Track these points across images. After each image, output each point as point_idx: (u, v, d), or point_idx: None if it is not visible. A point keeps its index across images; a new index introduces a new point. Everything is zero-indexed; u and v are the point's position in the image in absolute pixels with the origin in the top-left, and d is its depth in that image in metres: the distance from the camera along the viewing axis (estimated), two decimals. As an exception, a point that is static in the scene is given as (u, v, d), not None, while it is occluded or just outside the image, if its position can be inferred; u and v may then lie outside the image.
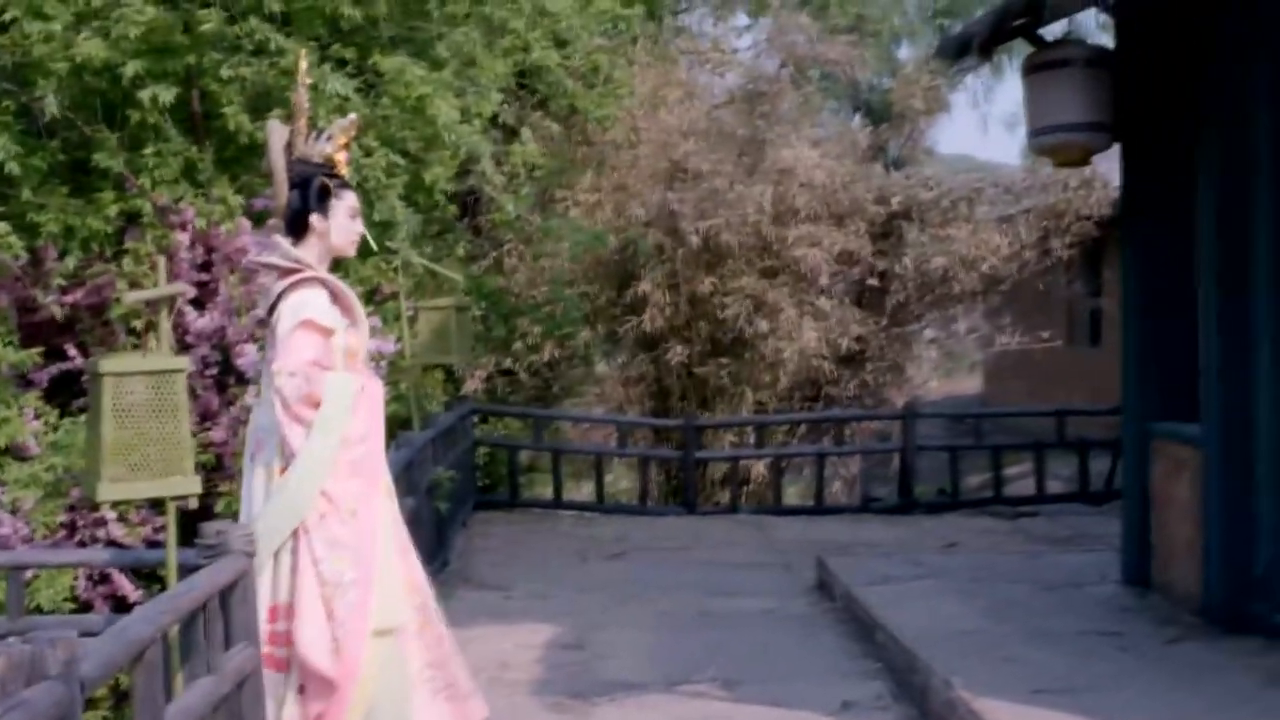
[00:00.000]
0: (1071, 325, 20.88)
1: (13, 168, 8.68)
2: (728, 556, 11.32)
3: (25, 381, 8.90)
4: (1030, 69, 8.51)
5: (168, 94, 8.81)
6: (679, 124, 15.56)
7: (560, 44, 12.31)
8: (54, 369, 8.94)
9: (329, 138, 5.26)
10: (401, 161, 9.86)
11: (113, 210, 9.04)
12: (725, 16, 18.67)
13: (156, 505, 7.88)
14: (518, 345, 14.43)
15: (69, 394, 8.96)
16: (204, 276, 9.09)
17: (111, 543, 8.21)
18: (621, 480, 16.57)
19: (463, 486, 12.08)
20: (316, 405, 4.92)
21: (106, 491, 5.29)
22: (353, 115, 5.54)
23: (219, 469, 8.60)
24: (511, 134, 12.93)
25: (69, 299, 9.10)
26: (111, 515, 8.28)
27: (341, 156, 5.31)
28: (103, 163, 9.00)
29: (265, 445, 5.03)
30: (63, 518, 8.30)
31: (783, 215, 15.23)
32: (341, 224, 5.22)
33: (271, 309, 5.09)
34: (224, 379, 8.90)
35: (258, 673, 4.70)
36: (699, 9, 18.85)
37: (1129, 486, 8.79)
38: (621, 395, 16.12)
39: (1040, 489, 14.38)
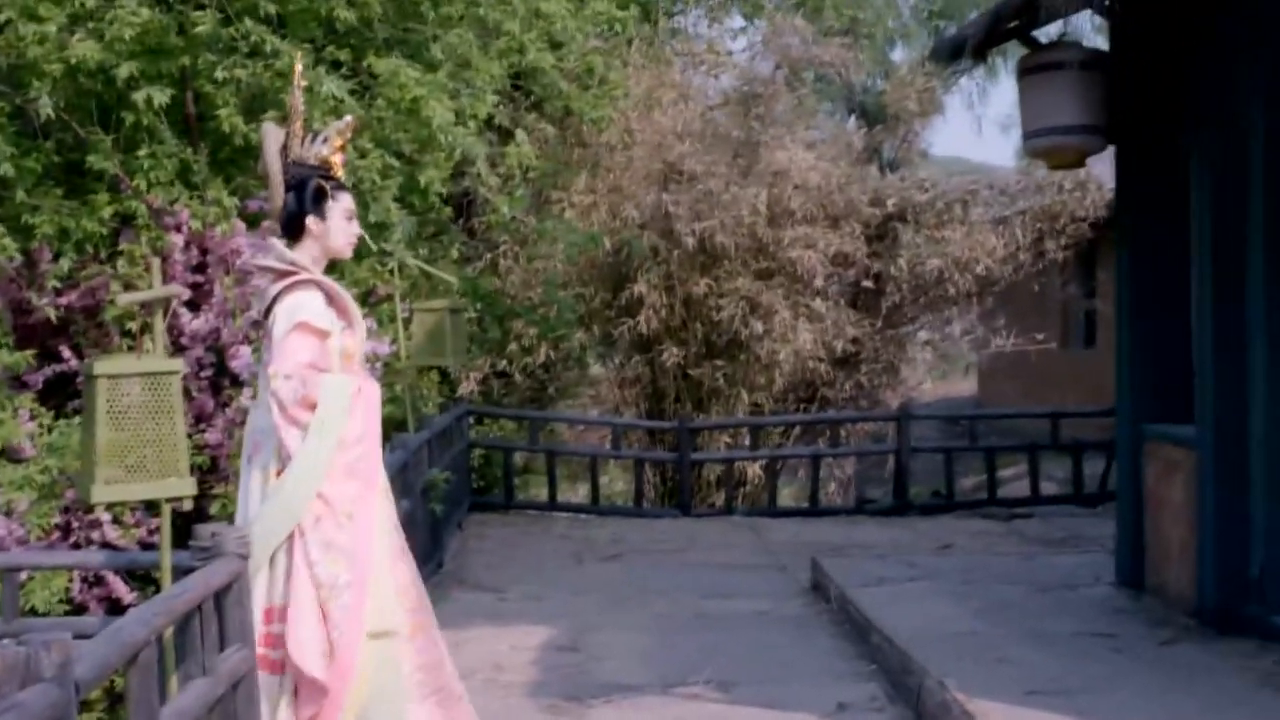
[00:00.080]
0: (1066, 327, 20.90)
1: (7, 169, 8.66)
2: (723, 558, 11.33)
3: (20, 383, 8.89)
4: (1025, 71, 8.53)
5: (162, 96, 8.79)
6: (674, 126, 15.56)
7: (555, 46, 12.30)
8: (48, 371, 8.93)
9: (325, 140, 5.26)
10: (396, 163, 9.85)
11: (107, 212, 9.02)
12: (720, 19, 18.64)
13: (151, 507, 7.88)
14: (513, 347, 14.44)
15: (63, 396, 8.95)
16: (198, 278, 9.07)
17: (106, 545, 8.20)
18: (617, 482, 16.58)
19: (458, 488, 12.08)
20: (313, 408, 4.91)
21: (101, 493, 5.29)
22: (349, 117, 5.54)
23: (214, 471, 8.59)
24: (506, 136, 12.91)
25: (63, 301, 9.08)
26: (106, 517, 8.27)
27: (337, 159, 5.30)
28: (97, 164, 8.99)
29: (262, 448, 5.03)
30: (57, 519, 8.28)
31: (778, 217, 15.24)
32: (338, 226, 5.21)
33: (267, 312, 5.08)
34: (219, 381, 8.89)
35: (252, 674, 4.70)
36: (694, 11, 18.81)
37: (1123, 488, 8.81)
38: (617, 397, 16.13)
39: (1035, 490, 14.38)
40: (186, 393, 8.21)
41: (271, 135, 5.24)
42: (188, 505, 5.64)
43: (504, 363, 14.73)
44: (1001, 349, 18.11)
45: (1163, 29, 8.06)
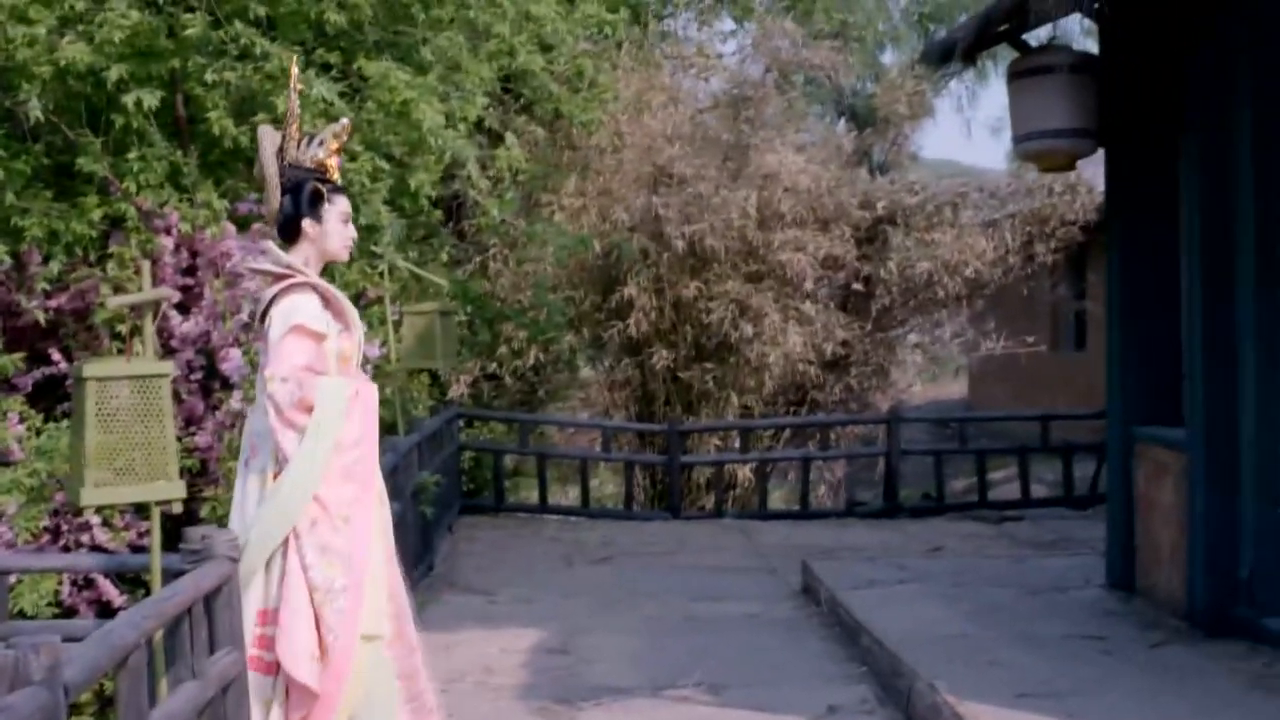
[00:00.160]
0: (1056, 330, 20.91)
1: (-4, 172, 8.67)
2: (713, 561, 11.33)
3: (9, 386, 8.87)
4: (1015, 75, 8.54)
5: (152, 98, 8.79)
6: (663, 129, 15.56)
7: (545, 48, 12.30)
8: (38, 374, 8.92)
9: (320, 143, 5.25)
10: (386, 166, 9.85)
11: (97, 214, 9.02)
12: (710, 22, 18.62)
13: (141, 510, 7.86)
14: (503, 350, 14.43)
15: (53, 399, 8.93)
16: (188, 281, 9.07)
17: (96, 548, 8.18)
18: (607, 485, 16.58)
19: (448, 491, 12.07)
20: (309, 410, 4.90)
21: (90, 496, 5.28)
22: (344, 120, 5.53)
23: (204, 474, 8.58)
24: (496, 138, 12.91)
25: (53, 303, 9.07)
26: (96, 520, 8.24)
27: (333, 161, 5.30)
28: (87, 167, 8.98)
29: (259, 451, 5.02)
30: (47, 522, 8.26)
31: (767, 220, 15.25)
32: (334, 229, 5.21)
33: (263, 315, 5.07)
34: (209, 384, 8.87)
35: (242, 677, 4.69)
36: (683, 14, 18.79)
37: (1113, 491, 8.82)
38: (606, 400, 16.12)
39: (1025, 493, 14.40)
40: (176, 396, 8.21)
41: (267, 138, 5.23)
42: (177, 508, 5.62)
43: (494, 365, 14.72)
44: (991, 352, 18.13)
45: (1152, 32, 8.08)
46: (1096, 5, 7.06)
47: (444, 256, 12.74)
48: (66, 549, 8.25)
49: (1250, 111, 7.18)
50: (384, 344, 9.73)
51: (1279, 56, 7.12)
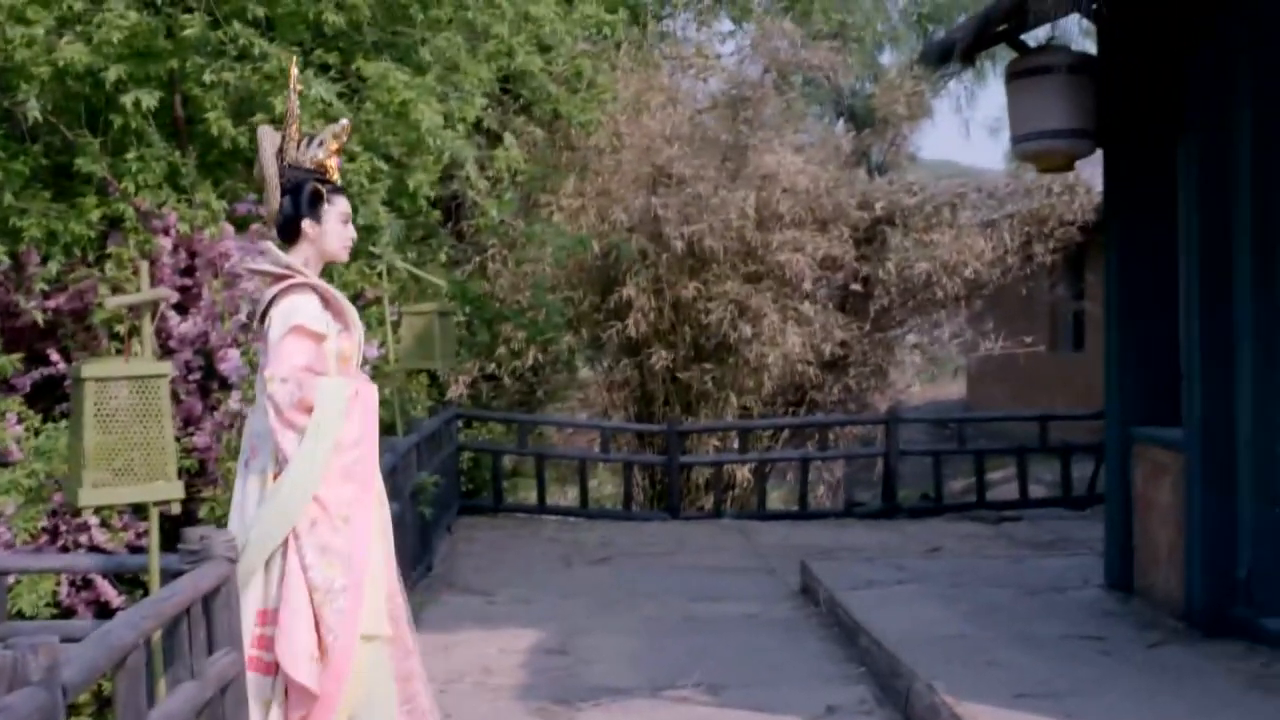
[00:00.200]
0: (1054, 330, 20.92)
1: (-5, 172, 8.68)
2: (712, 561, 11.33)
3: (7, 386, 8.87)
4: (1013, 75, 8.54)
5: (150, 99, 8.79)
6: (662, 129, 15.56)
7: (544, 49, 12.30)
8: (36, 374, 8.92)
9: (320, 143, 5.26)
10: (385, 166, 9.84)
11: (95, 215, 9.02)
12: (709, 22, 18.61)
13: (139, 510, 7.86)
14: (501, 350, 14.43)
15: (51, 399, 8.93)
16: (187, 281, 9.07)
17: (94, 548, 8.18)
18: (606, 485, 16.58)
19: (446, 491, 12.07)
20: (309, 411, 4.90)
21: (88, 497, 5.28)
22: (344, 120, 5.53)
23: (202, 474, 8.58)
24: (495, 139, 12.91)
25: (51, 304, 9.08)
26: (94, 520, 8.25)
27: (333, 162, 5.30)
28: (85, 167, 8.98)
29: (260, 452, 5.02)
30: (45, 523, 8.26)
31: (766, 220, 15.25)
32: (333, 229, 5.21)
33: (263, 315, 5.08)
34: (207, 384, 8.87)
35: (241, 678, 4.69)
36: (682, 15, 18.78)
37: (1111, 491, 8.82)
38: (605, 400, 16.12)
39: (1023, 493, 14.40)
40: (175, 396, 8.20)
41: (267, 138, 5.24)
42: (175, 509, 5.62)
43: (493, 366, 14.72)
44: (990, 352, 18.13)
45: (1151, 33, 8.08)
46: (1095, 6, 7.07)
47: (442, 257, 12.74)
48: (65, 549, 8.26)
49: (1249, 112, 7.19)
50: (382, 345, 9.73)
51: (1278, 57, 7.13)
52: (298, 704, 4.85)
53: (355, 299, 9.88)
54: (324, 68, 9.55)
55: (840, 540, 12.23)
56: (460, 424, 13.98)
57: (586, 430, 15.78)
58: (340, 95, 9.33)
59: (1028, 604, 8.49)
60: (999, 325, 17.79)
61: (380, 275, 10.03)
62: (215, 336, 8.71)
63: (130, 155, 9.04)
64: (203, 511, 8.20)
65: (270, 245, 5.28)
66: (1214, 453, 7.38)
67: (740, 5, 19.13)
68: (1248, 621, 7.16)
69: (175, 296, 8.63)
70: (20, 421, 8.62)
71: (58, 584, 8.08)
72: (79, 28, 8.77)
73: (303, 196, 5.14)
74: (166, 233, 8.98)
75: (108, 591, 8.11)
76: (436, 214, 12.69)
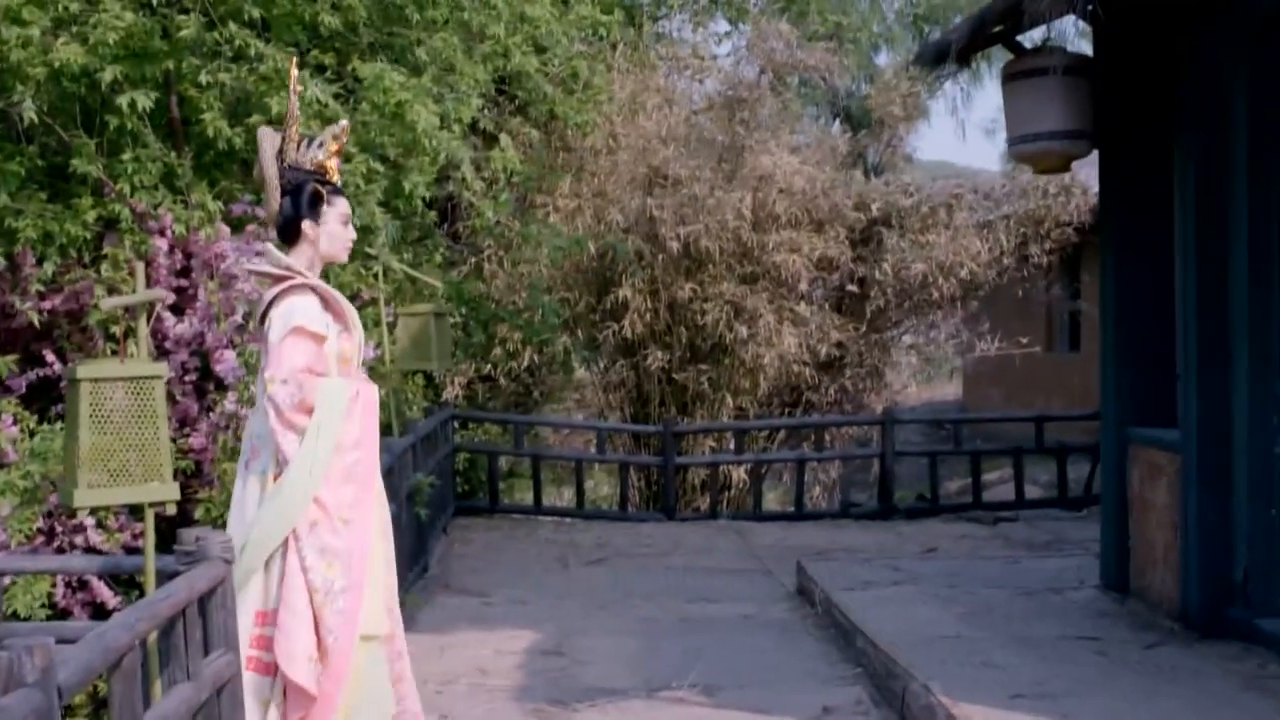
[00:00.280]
0: (1050, 331, 20.95)
1: (-10, 173, 8.66)
2: (708, 562, 11.33)
3: (2, 388, 8.86)
4: (1009, 77, 8.53)
5: (146, 99, 8.78)
6: (658, 130, 15.55)
7: (539, 50, 12.30)
8: (31, 375, 8.90)
9: (320, 145, 5.26)
10: (380, 167, 9.84)
11: (91, 216, 9.01)
12: (704, 23, 18.60)
13: (135, 511, 7.85)
14: (497, 351, 14.42)
15: (47, 400, 8.92)
16: (182, 282, 9.06)
17: (90, 549, 8.16)
18: (602, 486, 16.58)
19: (442, 492, 12.07)
20: (310, 412, 4.91)
21: (84, 498, 5.27)
22: (344, 122, 5.54)
23: (198, 475, 8.57)
24: (490, 140, 12.90)
25: (47, 305, 9.06)
26: (90, 521, 8.23)
27: (333, 163, 5.31)
28: (81, 168, 8.97)
29: (260, 453, 5.02)
30: (41, 524, 8.25)
31: (762, 221, 15.25)
32: (333, 230, 5.22)
33: (263, 317, 5.08)
34: (203, 385, 8.87)
35: (237, 679, 4.68)
36: (678, 16, 18.77)
37: (1107, 492, 8.82)
38: (601, 401, 16.12)
39: (1019, 494, 14.40)
40: (170, 397, 8.20)
41: (267, 140, 5.24)
42: (171, 510, 5.62)
43: (488, 367, 14.72)
44: (986, 353, 18.14)
45: (1147, 34, 8.08)
46: (1090, 7, 7.06)
47: (438, 258, 12.73)
48: (60, 551, 8.24)
49: (1245, 113, 7.19)
50: (378, 346, 9.72)
51: (1273, 57, 7.13)
52: (296, 705, 4.85)
53: (351, 300, 9.87)
54: (320, 69, 9.55)
55: (836, 541, 12.23)
56: (456, 425, 13.98)
57: (582, 431, 15.79)
58: (336, 96, 9.33)
59: (1024, 605, 8.49)
60: (995, 326, 17.80)
61: (376, 276, 10.02)
62: (211, 338, 8.70)
63: (126, 156, 9.03)
64: (198, 513, 8.20)
65: (270, 246, 5.29)
66: (1210, 454, 7.39)
67: (736, 6, 19.12)
68: (1244, 622, 7.16)
69: (171, 297, 8.62)
70: (15, 423, 8.61)
71: (53, 585, 8.06)
72: (74, 28, 8.76)
73: (303, 198, 5.15)
74: (162, 234, 8.97)
75: (103, 593, 8.10)
76: (432, 215, 12.69)
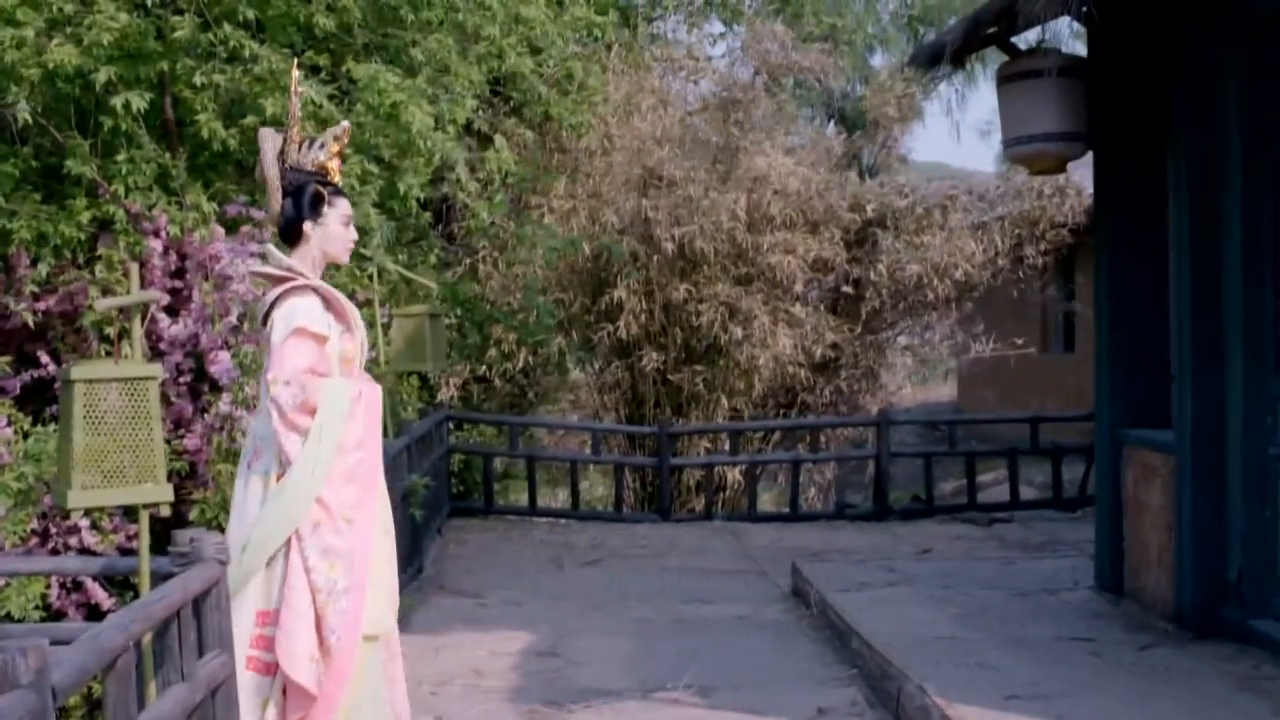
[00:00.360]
0: (1045, 332, 20.95)
1: (-16, 174, 8.66)
2: (703, 563, 11.33)
3: (-3, 389, 8.87)
4: (1004, 78, 8.54)
5: (140, 100, 8.78)
6: (653, 131, 15.56)
7: (534, 51, 12.30)
8: (26, 376, 8.90)
9: (321, 145, 5.26)
10: (375, 169, 9.85)
11: (85, 217, 9.01)
12: (699, 24, 18.60)
13: (129, 513, 7.85)
14: (492, 352, 14.43)
15: (41, 401, 8.92)
16: (177, 283, 9.06)
17: (84, 550, 8.16)
18: (597, 487, 16.58)
19: (437, 494, 12.07)
20: (312, 412, 4.91)
21: (77, 499, 5.27)
22: (345, 123, 5.53)
23: (192, 476, 8.57)
24: (485, 141, 12.91)
25: (41, 306, 9.06)
26: (84, 523, 8.23)
27: (334, 164, 5.31)
28: (75, 169, 8.97)
29: (263, 454, 5.02)
30: (35, 525, 8.25)
31: (757, 222, 15.26)
32: (335, 231, 5.22)
33: (264, 318, 5.08)
34: (197, 386, 8.87)
35: (231, 680, 4.68)
36: (673, 17, 18.77)
37: (1102, 493, 8.83)
38: (596, 402, 16.12)
39: (1014, 495, 14.40)
40: (165, 398, 8.19)
41: (268, 141, 5.24)
42: (165, 511, 5.62)
43: (483, 368, 14.73)
44: (981, 354, 18.14)
45: (1141, 35, 8.08)
46: (1084, 8, 7.06)
47: (433, 259, 12.74)
48: (55, 552, 8.24)
49: (1239, 114, 7.19)
50: (373, 347, 9.72)
51: (1268, 59, 7.14)
52: (296, 705, 4.85)
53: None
54: (314, 70, 9.55)
55: (831, 542, 12.24)
56: (451, 426, 13.97)
57: (577, 432, 15.79)
58: (331, 97, 9.33)
59: (1018, 606, 8.49)
60: (990, 327, 17.81)
61: (371, 277, 10.02)
62: (205, 339, 8.70)
63: (120, 157, 9.03)
64: (193, 514, 8.20)
65: (271, 247, 5.29)
66: (1204, 455, 7.39)
67: (731, 8, 19.13)
68: (1238, 623, 7.16)
69: (165, 299, 8.62)
70: (10, 424, 8.61)
71: (47, 586, 8.06)
72: (69, 29, 8.77)
73: (304, 199, 5.15)
74: (157, 235, 8.96)
75: (98, 594, 8.10)
76: (427, 216, 12.70)
